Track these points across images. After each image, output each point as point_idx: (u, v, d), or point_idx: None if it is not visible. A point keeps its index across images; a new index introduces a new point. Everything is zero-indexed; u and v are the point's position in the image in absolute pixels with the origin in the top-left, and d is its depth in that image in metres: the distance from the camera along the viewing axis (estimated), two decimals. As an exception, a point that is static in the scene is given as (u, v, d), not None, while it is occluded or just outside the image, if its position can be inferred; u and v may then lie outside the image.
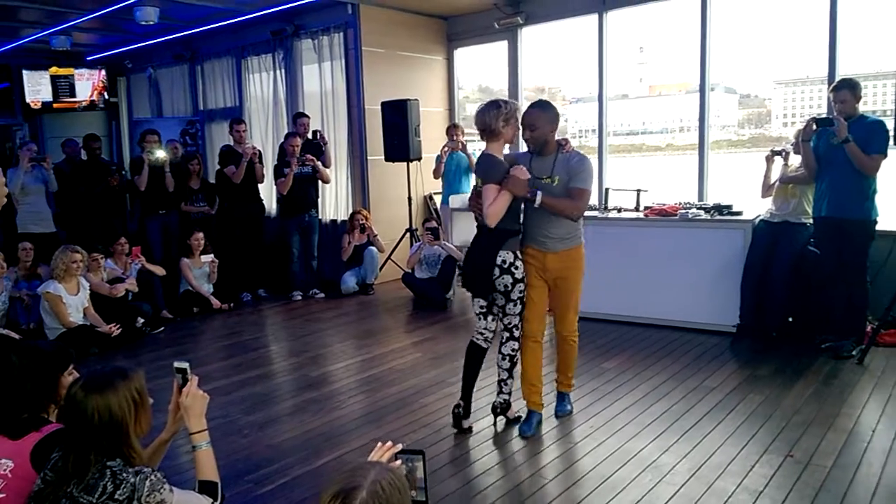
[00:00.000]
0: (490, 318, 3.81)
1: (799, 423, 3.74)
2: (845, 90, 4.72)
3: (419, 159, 7.59)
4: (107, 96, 10.51)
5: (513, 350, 3.79)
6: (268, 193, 8.11)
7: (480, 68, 9.52)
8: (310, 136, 7.55)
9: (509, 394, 3.84)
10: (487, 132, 3.63)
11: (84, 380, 2.02)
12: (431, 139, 7.75)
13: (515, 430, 3.81)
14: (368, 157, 7.85)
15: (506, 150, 3.78)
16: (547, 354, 4.05)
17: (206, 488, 2.19)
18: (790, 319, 5.23)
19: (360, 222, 7.50)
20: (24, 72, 9.96)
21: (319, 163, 7.35)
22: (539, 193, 3.54)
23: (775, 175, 5.31)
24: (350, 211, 7.84)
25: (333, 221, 8.19)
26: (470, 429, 3.81)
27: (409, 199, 7.72)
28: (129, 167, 7.86)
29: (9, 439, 2.12)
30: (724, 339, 5.31)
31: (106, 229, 7.27)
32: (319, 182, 7.57)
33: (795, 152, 5.11)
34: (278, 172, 7.33)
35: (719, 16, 6.45)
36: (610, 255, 5.76)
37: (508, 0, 7.66)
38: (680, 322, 5.64)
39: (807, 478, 3.14)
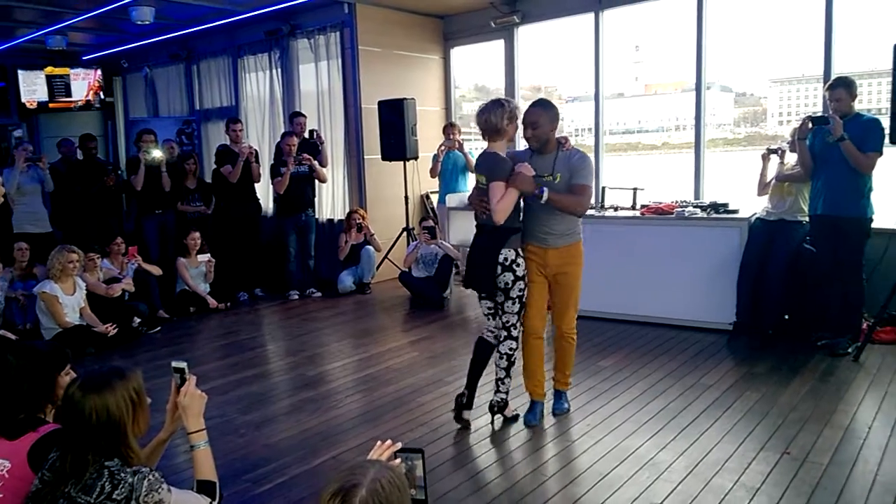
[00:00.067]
0: (498, 317, 3.83)
1: (795, 420, 3.76)
2: (841, 88, 4.73)
3: (416, 158, 7.59)
4: (103, 96, 10.49)
5: (510, 349, 3.79)
6: (264, 193, 8.09)
7: (477, 67, 9.54)
8: (306, 135, 7.54)
9: (507, 392, 3.84)
10: (492, 131, 3.66)
11: (82, 380, 2.01)
12: (428, 138, 7.75)
13: (513, 429, 3.82)
14: (365, 157, 7.84)
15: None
16: (545, 353, 4.06)
17: (205, 488, 2.19)
18: (786, 317, 5.25)
19: (357, 221, 7.49)
20: (20, 71, 9.94)
21: (316, 162, 7.35)
22: (546, 190, 3.58)
23: (771, 173, 5.33)
24: (347, 210, 7.84)
25: (330, 221, 8.19)
26: (469, 424, 3.83)
27: (406, 198, 7.72)
28: (126, 167, 7.85)
29: (6, 440, 2.12)
30: (721, 337, 5.32)
31: (102, 229, 7.27)
32: (316, 181, 7.57)
33: (791, 150, 5.13)
34: (275, 172, 7.32)
35: (715, 14, 6.47)
36: (606, 254, 5.77)
37: (505, -1, 7.67)
38: (676, 320, 5.65)
39: (803, 475, 3.15)
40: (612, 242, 5.86)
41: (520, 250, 3.71)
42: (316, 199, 7.76)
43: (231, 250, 7.38)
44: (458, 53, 8.62)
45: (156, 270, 6.76)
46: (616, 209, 6.17)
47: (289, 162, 7.12)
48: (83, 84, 10.33)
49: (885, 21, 5.71)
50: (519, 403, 4.03)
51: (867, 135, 4.62)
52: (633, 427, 3.76)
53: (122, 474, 1.93)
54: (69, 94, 10.24)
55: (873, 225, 4.81)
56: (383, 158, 7.63)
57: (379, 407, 4.22)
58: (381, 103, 7.54)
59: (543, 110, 3.69)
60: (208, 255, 7.07)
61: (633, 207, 6.11)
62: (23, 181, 6.95)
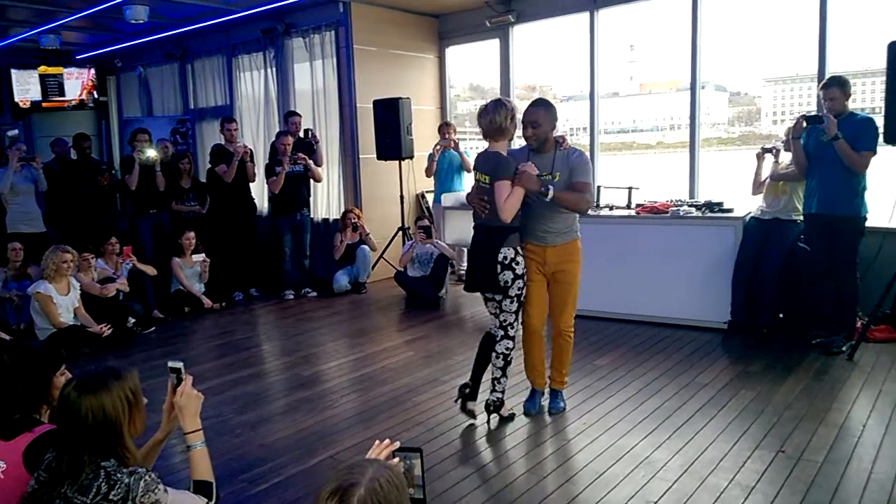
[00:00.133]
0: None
1: (790, 418, 3.77)
2: (835, 88, 4.75)
3: (411, 157, 7.58)
4: (96, 95, 10.45)
5: (507, 349, 3.80)
6: (259, 192, 8.08)
7: (472, 67, 9.52)
8: (301, 134, 7.53)
9: (503, 392, 3.85)
10: (496, 131, 3.67)
11: (77, 380, 2.01)
12: (423, 137, 7.75)
13: (509, 427, 3.82)
14: (360, 156, 7.83)
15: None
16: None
17: (201, 488, 2.18)
18: (781, 316, 5.26)
19: (352, 221, 7.49)
20: (13, 71, 9.88)
21: (311, 161, 7.34)
22: (551, 188, 3.60)
23: (766, 172, 5.34)
24: (342, 209, 7.83)
25: (325, 220, 8.18)
26: (474, 414, 3.85)
27: (402, 197, 7.72)
28: (120, 166, 7.83)
29: (1, 440, 2.11)
30: (716, 336, 5.34)
31: (96, 229, 7.24)
32: (311, 181, 7.56)
33: (786, 150, 5.15)
34: (270, 171, 7.30)
35: (709, 14, 6.48)
36: (602, 253, 5.76)
37: (500, -2, 7.67)
38: (671, 319, 5.66)
39: (798, 473, 3.16)
40: (608, 242, 5.86)
41: (519, 249, 3.72)
42: (311, 199, 7.75)
43: (226, 250, 7.37)
44: (454, 53, 8.62)
45: (150, 270, 6.74)
46: (611, 208, 6.18)
47: (284, 161, 7.11)
48: (77, 83, 10.28)
49: (879, 20, 5.74)
50: (516, 402, 4.04)
51: (861, 134, 4.64)
52: (629, 426, 3.77)
53: (119, 475, 1.92)
54: (63, 94, 10.19)
55: (867, 224, 4.84)
56: (378, 158, 7.62)
57: (375, 406, 4.22)
58: (376, 102, 7.53)
59: (544, 110, 3.73)
60: (203, 254, 7.06)
61: (628, 207, 6.12)
62: (16, 181, 6.92)
